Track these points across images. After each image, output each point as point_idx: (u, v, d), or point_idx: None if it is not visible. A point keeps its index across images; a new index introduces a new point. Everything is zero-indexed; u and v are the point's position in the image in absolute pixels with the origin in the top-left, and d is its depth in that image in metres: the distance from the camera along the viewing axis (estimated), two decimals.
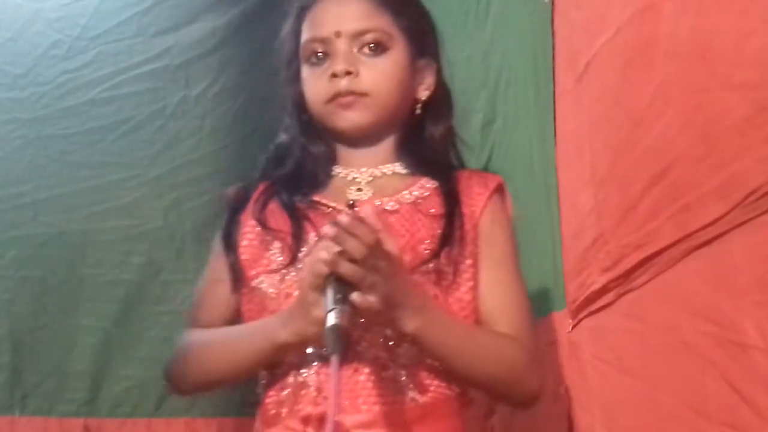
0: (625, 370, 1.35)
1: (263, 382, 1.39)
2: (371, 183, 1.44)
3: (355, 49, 1.42)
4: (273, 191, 1.45)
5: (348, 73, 1.40)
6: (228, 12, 2.64)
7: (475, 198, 1.42)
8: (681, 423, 1.19)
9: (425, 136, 1.47)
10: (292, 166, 1.48)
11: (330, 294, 1.20)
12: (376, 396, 1.30)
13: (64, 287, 2.44)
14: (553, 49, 1.60)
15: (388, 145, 1.47)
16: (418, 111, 1.47)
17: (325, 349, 1.21)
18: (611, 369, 1.39)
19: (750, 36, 1.03)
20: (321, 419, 1.27)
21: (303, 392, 1.32)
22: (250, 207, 1.45)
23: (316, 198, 1.42)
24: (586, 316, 1.46)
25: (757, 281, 1.04)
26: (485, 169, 1.64)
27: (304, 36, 1.46)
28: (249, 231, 1.43)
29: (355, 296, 1.20)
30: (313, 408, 1.30)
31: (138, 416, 2.43)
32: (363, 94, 1.41)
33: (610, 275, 1.36)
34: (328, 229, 1.23)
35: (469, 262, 1.37)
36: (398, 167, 1.46)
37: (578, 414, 1.48)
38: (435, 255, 1.35)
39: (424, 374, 1.32)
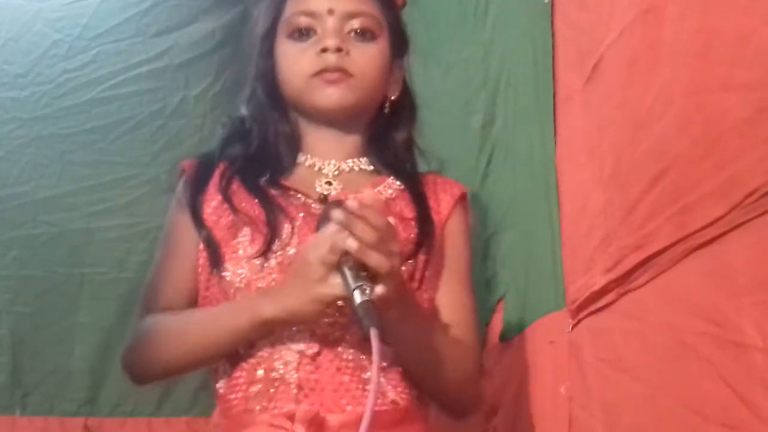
0: (624, 370, 1.34)
1: (224, 375, 1.34)
2: (339, 177, 1.41)
3: (345, 30, 1.40)
4: (236, 170, 1.40)
5: (339, 50, 1.38)
6: (228, 12, 2.65)
7: (442, 204, 1.42)
8: (680, 423, 1.19)
9: (388, 139, 1.46)
10: (255, 145, 1.43)
11: (349, 275, 1.18)
12: (360, 397, 1.28)
13: (65, 287, 2.44)
14: (553, 49, 1.60)
15: (355, 138, 1.45)
16: (387, 109, 1.46)
17: (362, 325, 1.17)
18: (611, 369, 1.39)
19: (750, 36, 1.03)
20: (308, 416, 1.24)
21: (281, 389, 1.27)
22: (213, 185, 1.39)
23: (285, 184, 1.38)
24: (586, 316, 1.46)
25: (756, 281, 1.03)
26: (486, 168, 1.64)
27: (291, 9, 1.43)
28: (213, 211, 1.37)
29: (379, 290, 1.18)
30: (295, 405, 1.26)
31: (138, 415, 2.43)
32: (350, 75, 1.39)
33: (611, 276, 1.35)
34: (337, 213, 1.19)
35: (433, 269, 1.37)
36: (364, 163, 1.44)
37: (578, 414, 1.47)
38: (409, 259, 1.33)
39: (398, 377, 1.32)
